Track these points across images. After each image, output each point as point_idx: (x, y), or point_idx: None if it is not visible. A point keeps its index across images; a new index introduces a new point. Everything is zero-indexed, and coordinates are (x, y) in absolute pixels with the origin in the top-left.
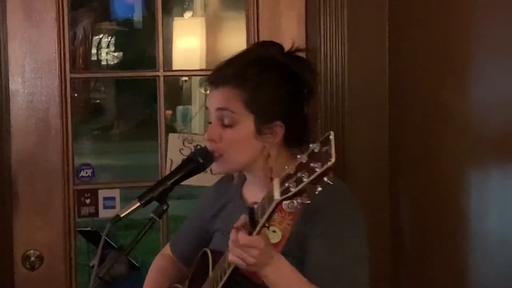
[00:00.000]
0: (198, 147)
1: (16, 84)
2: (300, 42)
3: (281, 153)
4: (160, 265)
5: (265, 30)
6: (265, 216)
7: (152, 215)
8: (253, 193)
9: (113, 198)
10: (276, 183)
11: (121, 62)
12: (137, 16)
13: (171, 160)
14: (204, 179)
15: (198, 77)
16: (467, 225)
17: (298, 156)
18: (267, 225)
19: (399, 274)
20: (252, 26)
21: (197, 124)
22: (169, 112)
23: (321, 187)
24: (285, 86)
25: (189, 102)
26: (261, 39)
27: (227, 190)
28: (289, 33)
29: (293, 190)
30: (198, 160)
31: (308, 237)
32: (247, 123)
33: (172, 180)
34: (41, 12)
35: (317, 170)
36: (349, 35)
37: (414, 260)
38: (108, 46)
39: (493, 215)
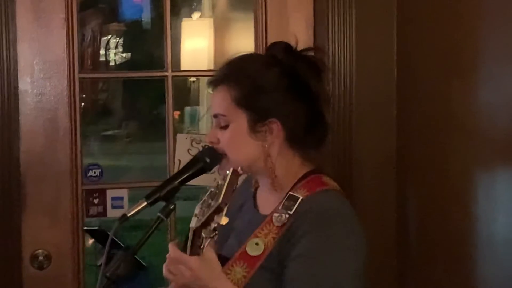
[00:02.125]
0: (206, 147)
1: (25, 84)
2: (308, 43)
3: (282, 152)
4: None
5: (273, 32)
6: (189, 244)
7: (159, 214)
8: (264, 197)
9: (121, 198)
10: (197, 209)
11: (129, 63)
12: (146, 17)
13: (179, 160)
14: (211, 180)
15: (206, 78)
16: (474, 227)
17: (208, 186)
18: (202, 246)
19: (405, 277)
20: (260, 28)
21: (205, 124)
22: (177, 112)
23: (215, 224)
24: (280, 83)
25: (197, 103)
26: (269, 40)
27: (247, 189)
28: (297, 34)
29: (201, 221)
30: (205, 160)
31: (287, 256)
32: (239, 122)
33: (179, 180)
34: (50, 12)
35: (211, 207)
36: (357, 37)
37: (421, 262)
38: (116, 47)
39: (500, 217)
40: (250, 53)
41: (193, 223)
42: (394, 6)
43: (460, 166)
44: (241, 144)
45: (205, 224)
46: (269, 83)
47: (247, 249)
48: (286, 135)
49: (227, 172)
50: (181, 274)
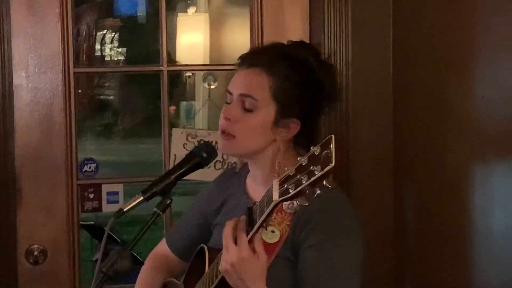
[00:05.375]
0: (202, 142)
1: (20, 79)
2: (304, 38)
3: (288, 151)
4: (153, 266)
5: (269, 26)
6: (263, 217)
7: (155, 209)
8: (255, 188)
9: (116, 193)
10: (275, 184)
11: (125, 58)
12: (141, 12)
13: (175, 155)
14: (207, 174)
15: (202, 73)
16: (471, 221)
17: (299, 158)
18: (264, 225)
19: (402, 270)
20: (256, 22)
21: (200, 119)
22: (173, 107)
23: (320, 190)
24: (310, 88)
25: (192, 97)
26: (264, 35)
27: (229, 184)
28: (293, 29)
29: (291, 192)
30: (202, 155)
31: (301, 245)
32: (268, 112)
33: (176, 175)
34: (44, 7)
35: (316, 173)
36: (353, 31)
37: (418, 256)
38: (112, 42)
39: (497, 212)
40: (288, 47)
41: (276, 196)
42: (390, 0)
43: (456, 160)
44: (258, 132)
45: (298, 194)
46: (304, 86)
47: (263, 237)
48: (296, 136)
49: (331, 138)
50: (224, 259)
